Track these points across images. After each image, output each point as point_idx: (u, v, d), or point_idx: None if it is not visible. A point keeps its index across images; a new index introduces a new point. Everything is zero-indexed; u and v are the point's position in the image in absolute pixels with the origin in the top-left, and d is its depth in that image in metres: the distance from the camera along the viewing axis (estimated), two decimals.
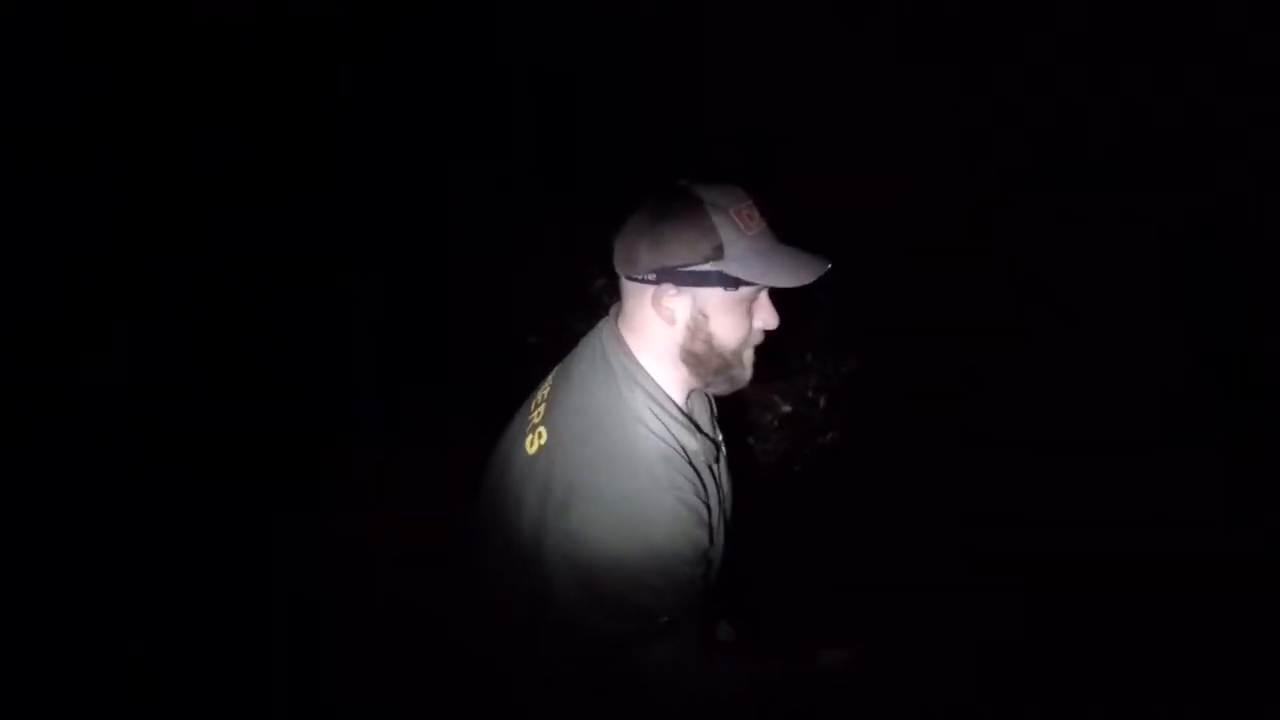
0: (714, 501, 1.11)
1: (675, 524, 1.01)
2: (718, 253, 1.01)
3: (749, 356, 1.10)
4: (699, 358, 1.07)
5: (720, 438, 1.25)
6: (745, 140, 2.70)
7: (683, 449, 1.06)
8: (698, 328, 1.05)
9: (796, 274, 1.03)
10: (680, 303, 1.04)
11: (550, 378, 1.17)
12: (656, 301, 1.04)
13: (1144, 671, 2.02)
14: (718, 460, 1.16)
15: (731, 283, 1.02)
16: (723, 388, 1.11)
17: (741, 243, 1.02)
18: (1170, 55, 2.64)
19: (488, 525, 1.15)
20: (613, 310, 1.14)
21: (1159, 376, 2.62)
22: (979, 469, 2.52)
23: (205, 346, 2.54)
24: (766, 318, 1.09)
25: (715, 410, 1.28)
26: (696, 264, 1.01)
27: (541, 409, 1.11)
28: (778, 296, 1.09)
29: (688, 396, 1.13)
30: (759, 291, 1.07)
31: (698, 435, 1.10)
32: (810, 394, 2.98)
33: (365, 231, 2.77)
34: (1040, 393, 2.67)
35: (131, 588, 2.07)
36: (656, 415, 1.05)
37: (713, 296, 1.03)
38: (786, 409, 2.94)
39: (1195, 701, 1.93)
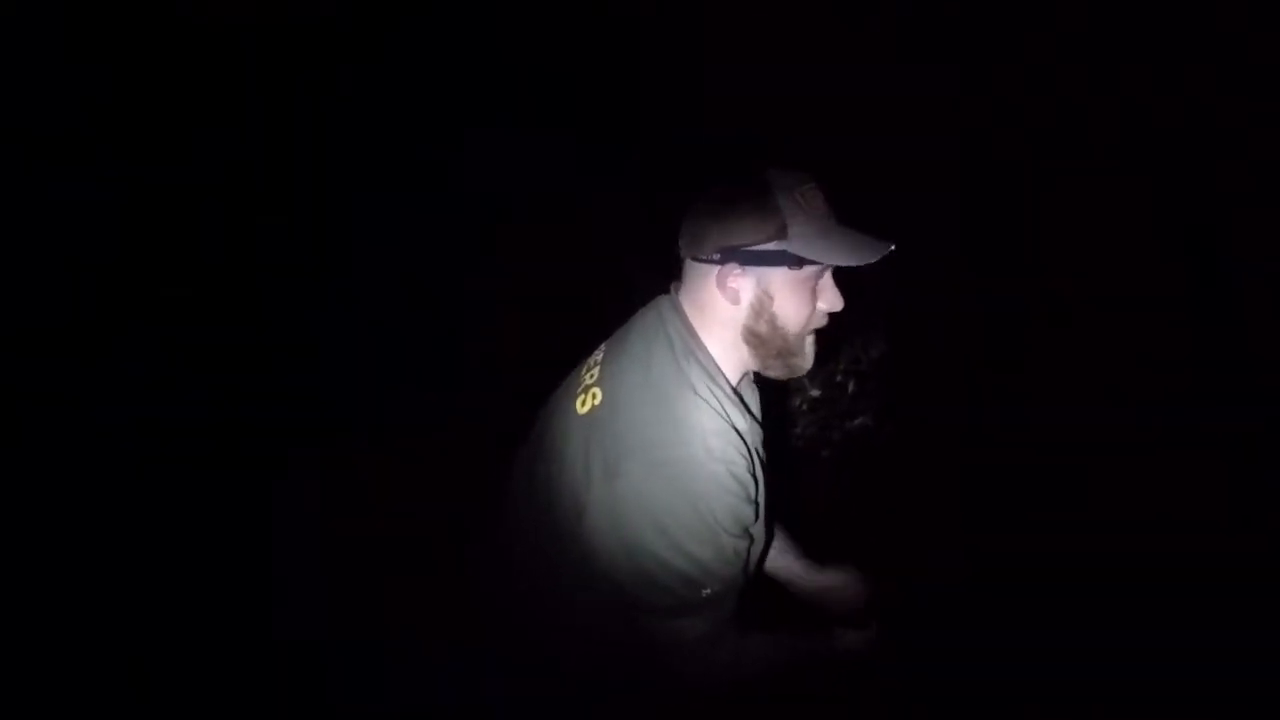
0: (761, 483, 1.12)
1: (724, 495, 1.02)
2: (782, 232, 1.02)
3: (810, 343, 1.12)
4: (762, 338, 1.08)
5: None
6: (746, 140, 2.70)
7: (734, 426, 1.07)
8: (762, 308, 1.07)
9: (859, 253, 1.04)
10: (745, 283, 1.06)
11: (602, 347, 1.17)
12: (721, 281, 1.05)
13: (1149, 671, 2.01)
14: (763, 446, 1.18)
15: (795, 262, 1.03)
16: (779, 372, 1.13)
17: (805, 223, 1.03)
18: (1170, 55, 2.64)
19: (525, 491, 1.15)
20: (673, 288, 1.15)
21: (1163, 376, 2.61)
22: (1001, 462, 2.51)
23: (205, 346, 2.53)
24: (831, 299, 1.10)
25: (759, 400, 1.30)
26: (761, 243, 1.03)
27: (596, 371, 1.12)
28: (838, 279, 1.10)
29: (740, 379, 1.14)
30: (822, 272, 1.08)
31: (747, 416, 1.11)
32: (839, 378, 2.98)
33: (365, 231, 2.77)
34: (1056, 392, 2.67)
35: (130, 588, 2.07)
36: (711, 390, 1.06)
37: (777, 276, 1.05)
38: (815, 393, 2.95)
39: (1199, 701, 1.92)
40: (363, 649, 2.02)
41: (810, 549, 1.48)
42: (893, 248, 1.05)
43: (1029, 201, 2.85)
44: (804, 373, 1.14)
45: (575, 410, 1.09)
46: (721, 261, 1.04)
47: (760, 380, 1.34)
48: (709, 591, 1.01)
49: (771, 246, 1.03)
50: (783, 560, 1.42)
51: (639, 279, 1.24)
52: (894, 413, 2.91)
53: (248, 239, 2.65)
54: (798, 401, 2.97)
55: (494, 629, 1.22)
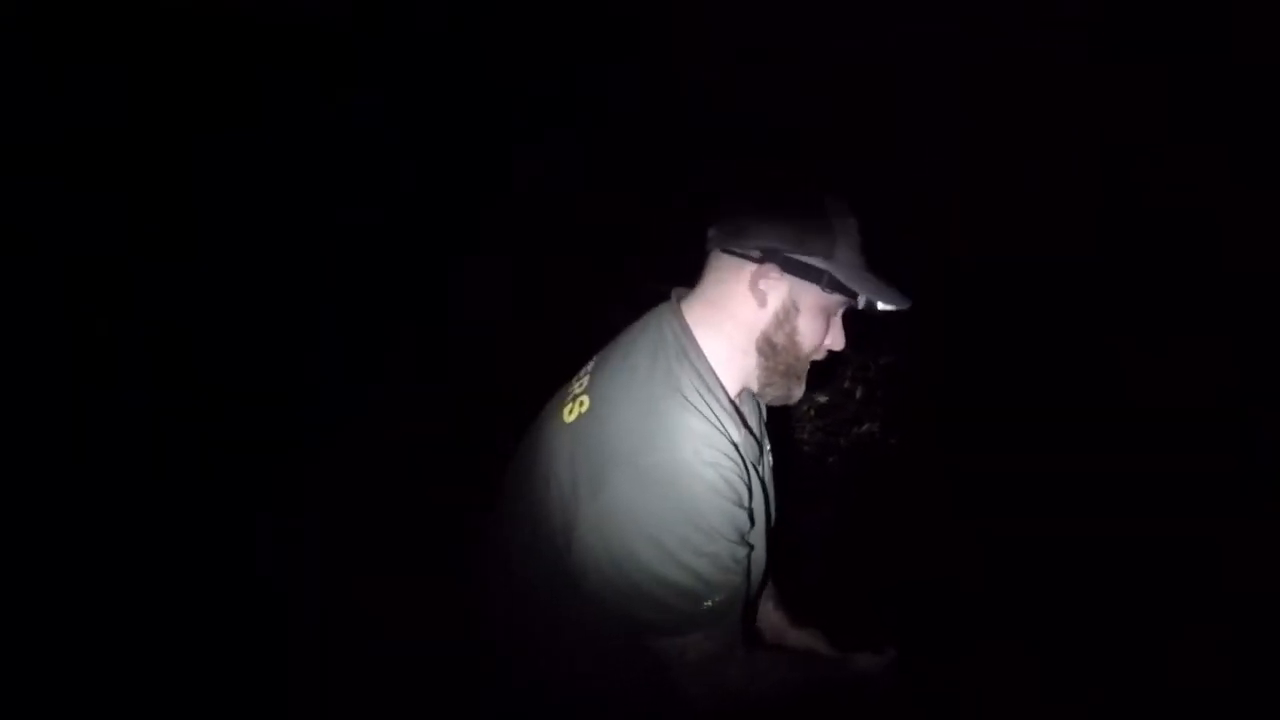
0: (757, 497, 1.07)
1: (717, 500, 0.96)
2: (829, 252, 1.01)
3: (805, 371, 1.10)
4: (776, 349, 1.06)
5: (767, 446, 1.22)
6: (754, 139, 2.71)
7: (726, 433, 1.01)
8: (787, 317, 1.04)
9: (890, 295, 1.04)
10: (778, 287, 1.03)
11: (597, 355, 1.12)
12: (755, 280, 1.03)
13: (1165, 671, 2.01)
14: (760, 462, 1.13)
15: (832, 285, 1.02)
16: (777, 393, 1.10)
17: (848, 251, 1.03)
18: (1170, 55, 2.65)
19: (514, 510, 1.08)
20: (674, 294, 1.12)
21: (1169, 373, 2.62)
22: (1007, 470, 2.50)
23: (204, 347, 2.53)
24: (837, 336, 1.09)
25: (765, 419, 1.25)
26: (807, 256, 1.01)
27: (586, 379, 1.07)
28: (846, 319, 1.11)
29: (739, 393, 1.10)
30: (842, 306, 1.07)
31: (743, 429, 1.06)
32: (847, 385, 2.98)
33: (365, 232, 2.77)
34: (1066, 389, 2.67)
35: (126, 588, 2.05)
36: (703, 395, 1.01)
37: (809, 293, 1.04)
38: (822, 399, 2.95)
39: (1199, 701, 1.92)
40: (360, 652, 2.00)
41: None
42: (911, 303, 1.05)
43: (1046, 198, 2.86)
44: (794, 402, 1.12)
45: (563, 420, 1.04)
46: (761, 260, 1.02)
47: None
48: (710, 604, 0.95)
49: (816, 262, 1.01)
50: (763, 607, 1.34)
51: (641, 281, 1.21)
52: (901, 420, 2.91)
53: (248, 240, 2.64)
54: (804, 407, 2.96)
55: (484, 652, 1.16)
